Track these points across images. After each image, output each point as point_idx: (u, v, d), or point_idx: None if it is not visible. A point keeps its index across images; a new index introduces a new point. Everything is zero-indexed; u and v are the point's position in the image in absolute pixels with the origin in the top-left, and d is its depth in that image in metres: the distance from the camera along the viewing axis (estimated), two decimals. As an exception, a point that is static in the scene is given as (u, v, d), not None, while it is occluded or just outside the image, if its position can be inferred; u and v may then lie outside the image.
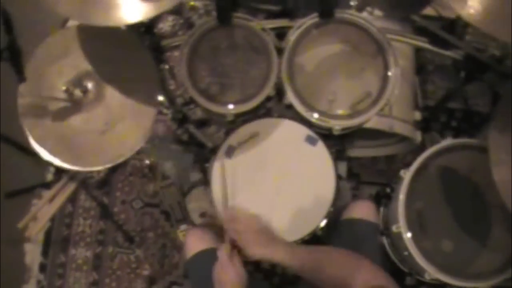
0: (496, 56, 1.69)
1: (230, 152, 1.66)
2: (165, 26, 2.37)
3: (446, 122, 2.29)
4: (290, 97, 1.64)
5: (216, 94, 1.69)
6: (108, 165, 1.44)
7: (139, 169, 2.25)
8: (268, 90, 1.64)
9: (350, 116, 1.63)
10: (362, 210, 1.70)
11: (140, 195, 2.26)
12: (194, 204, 2.08)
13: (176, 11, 2.27)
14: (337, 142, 2.13)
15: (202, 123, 2.21)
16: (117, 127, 1.47)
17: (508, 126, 1.49)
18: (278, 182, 1.64)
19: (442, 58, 2.35)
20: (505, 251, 1.64)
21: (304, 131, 1.66)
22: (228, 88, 1.70)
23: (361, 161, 2.24)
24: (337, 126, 1.62)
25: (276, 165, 1.66)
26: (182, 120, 2.14)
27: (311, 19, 1.69)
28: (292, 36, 1.68)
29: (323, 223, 1.60)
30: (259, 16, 2.24)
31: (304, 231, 1.60)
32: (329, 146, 1.69)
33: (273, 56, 1.67)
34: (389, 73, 1.64)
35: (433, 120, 2.13)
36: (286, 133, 1.67)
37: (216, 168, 1.65)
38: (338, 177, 1.65)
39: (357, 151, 2.16)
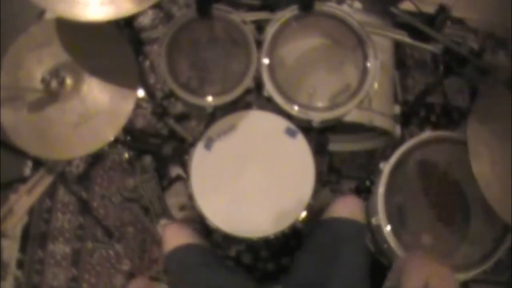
0: (475, 50, 1.68)
1: (209, 145, 1.65)
2: (145, 19, 2.35)
3: (426, 117, 2.30)
4: (269, 89, 1.63)
5: (196, 87, 1.68)
6: (80, 155, 1.42)
7: (119, 164, 2.23)
8: (248, 82, 1.64)
9: (329, 108, 1.63)
10: (347, 208, 1.66)
11: (119, 190, 2.25)
12: (174, 199, 2.07)
13: (157, 4, 2.25)
14: (319, 136, 2.12)
15: (182, 117, 2.20)
16: (92, 120, 1.45)
17: (486, 119, 1.50)
18: (258, 174, 1.64)
19: (422, 53, 2.37)
20: (484, 243, 1.65)
21: (283, 123, 1.66)
22: (208, 82, 1.69)
23: (341, 155, 2.24)
24: (316, 118, 1.61)
25: (256, 157, 1.66)
26: (162, 114, 2.13)
27: (291, 11, 1.68)
28: (271, 29, 1.68)
29: (302, 215, 1.59)
30: (241, 9, 2.22)
31: (284, 223, 1.61)
32: (310, 140, 1.68)
33: (253, 49, 1.66)
34: (368, 66, 1.64)
35: (412, 114, 2.14)
36: (266, 125, 1.67)
37: (195, 160, 1.63)
38: (319, 171, 1.64)
39: (337, 145, 2.16)
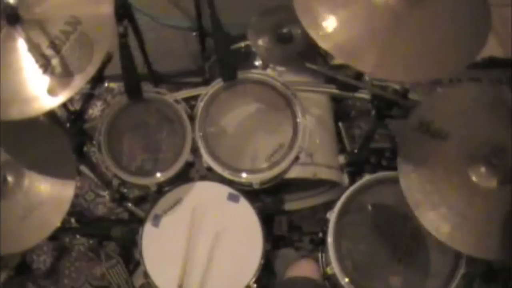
0: (399, 90, 1.75)
1: (156, 222, 1.70)
2: (94, 111, 2.44)
3: (377, 162, 2.34)
4: (207, 159, 1.69)
5: (151, 169, 1.75)
6: (32, 245, 1.47)
7: (84, 254, 2.26)
8: (185, 157, 1.70)
9: (265, 169, 1.69)
10: (304, 268, 1.75)
11: (88, 279, 2.27)
12: (141, 280, 2.09)
13: (101, 96, 2.35)
14: (273, 198, 2.18)
15: (140, 199, 2.25)
16: (37, 210, 1.50)
17: (414, 169, 1.53)
18: (208, 243, 1.68)
19: (363, 103, 2.44)
20: (443, 272, 1.68)
21: (225, 189, 1.72)
22: (162, 161, 1.76)
23: (301, 213, 2.28)
24: (253, 180, 1.67)
25: (204, 227, 1.70)
26: (120, 199, 2.18)
27: (217, 83, 1.76)
28: (201, 103, 1.75)
29: (255, 277, 1.62)
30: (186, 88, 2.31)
31: (238, 287, 1.62)
32: (265, 203, 1.73)
33: (187, 125, 1.73)
34: (298, 122, 1.71)
35: (362, 162, 2.18)
36: (208, 194, 1.73)
37: (145, 239, 1.67)
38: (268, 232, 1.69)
39: (294, 204, 2.20)
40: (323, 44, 1.33)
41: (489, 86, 1.81)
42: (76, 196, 2.35)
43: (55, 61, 1.38)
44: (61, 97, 1.37)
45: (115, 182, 2.19)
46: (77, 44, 1.41)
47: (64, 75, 1.39)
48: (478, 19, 1.39)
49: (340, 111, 2.39)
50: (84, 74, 1.39)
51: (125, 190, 2.14)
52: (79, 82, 1.38)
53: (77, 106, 2.35)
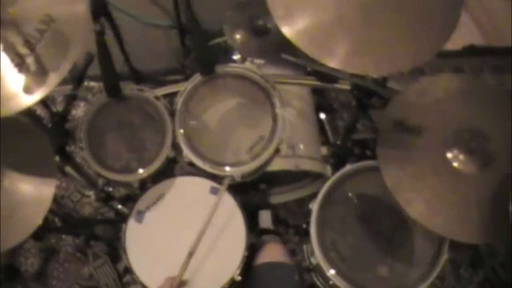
0: (378, 80, 1.75)
1: (140, 218, 1.71)
2: (78, 112, 2.44)
3: (360, 153, 2.36)
4: (188, 154, 1.70)
5: (136, 167, 1.75)
6: (16, 244, 1.48)
7: (72, 255, 2.26)
8: (165, 152, 1.71)
9: (246, 161, 1.69)
10: (272, 253, 1.75)
11: (77, 280, 2.27)
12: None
13: (83, 96, 2.36)
14: (258, 193, 2.19)
15: (126, 198, 2.25)
16: (19, 210, 1.51)
17: (398, 167, 1.54)
18: (192, 237, 1.67)
19: (346, 95, 2.46)
20: (427, 258, 1.70)
21: (207, 183, 1.72)
22: (147, 160, 1.76)
23: (286, 206, 2.29)
24: (235, 173, 1.67)
25: (187, 221, 1.70)
26: (106, 199, 2.18)
27: (195, 78, 1.77)
28: (180, 98, 1.76)
29: (239, 269, 1.63)
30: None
31: (223, 279, 1.64)
32: (251, 197, 1.74)
33: (166, 120, 1.74)
34: (277, 114, 1.72)
35: (346, 154, 2.19)
36: (191, 189, 1.73)
37: (129, 235, 1.68)
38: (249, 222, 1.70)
39: (279, 197, 2.21)
40: (293, 39, 1.32)
41: (456, 76, 1.80)
42: (62, 197, 2.35)
43: (30, 60, 1.38)
44: (37, 95, 1.37)
45: (101, 182, 2.19)
46: (52, 42, 1.41)
47: (39, 73, 1.39)
48: (447, 6, 1.39)
49: (323, 103, 2.41)
50: (59, 72, 1.39)
51: (110, 189, 2.14)
52: (55, 79, 1.39)
53: (60, 107, 2.37)
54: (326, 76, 1.87)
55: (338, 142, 2.11)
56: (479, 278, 2.25)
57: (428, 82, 1.65)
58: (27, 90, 1.37)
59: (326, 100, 2.45)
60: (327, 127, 2.28)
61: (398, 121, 1.55)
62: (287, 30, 1.33)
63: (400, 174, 1.54)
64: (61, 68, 1.39)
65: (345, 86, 1.87)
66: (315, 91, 2.29)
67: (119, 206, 2.18)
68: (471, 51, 2.63)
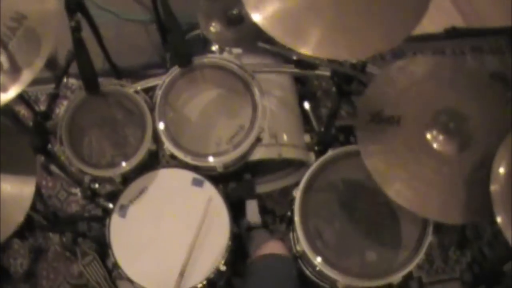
0: (357, 65, 1.75)
1: (123, 212, 1.71)
2: (61, 110, 2.42)
3: (345, 140, 2.35)
4: (168, 146, 1.70)
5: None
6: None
7: (61, 254, 2.26)
8: (146, 145, 1.71)
9: (227, 151, 1.70)
10: (270, 247, 1.75)
11: (66, 279, 2.27)
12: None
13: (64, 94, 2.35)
14: (244, 183, 2.18)
15: (113, 195, 2.24)
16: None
17: (379, 156, 1.54)
18: (176, 229, 1.69)
19: (328, 83, 2.45)
20: (412, 240, 1.70)
21: (189, 175, 1.72)
22: (131, 155, 1.76)
23: (272, 196, 2.29)
24: (216, 163, 1.67)
25: (170, 214, 1.71)
26: (92, 196, 2.17)
27: (174, 71, 1.77)
28: (159, 91, 1.76)
29: (224, 258, 1.63)
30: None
31: (209, 270, 1.64)
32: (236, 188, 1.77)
33: (146, 113, 1.74)
34: (256, 103, 1.72)
35: (330, 141, 2.19)
36: (173, 181, 1.74)
37: (113, 230, 1.68)
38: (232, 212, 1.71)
39: (264, 186, 2.21)
40: (264, 26, 1.32)
41: (432, 57, 1.81)
42: (49, 196, 2.35)
43: (3, 58, 1.38)
44: (12, 92, 1.37)
45: (87, 179, 2.19)
46: (24, 39, 1.42)
47: (12, 71, 1.39)
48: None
49: (306, 91, 2.40)
50: (32, 68, 1.39)
51: (96, 186, 2.13)
52: (28, 76, 1.39)
53: (43, 106, 2.37)
54: (305, 63, 1.86)
55: (322, 130, 2.11)
56: (467, 259, 2.26)
57: (403, 64, 1.65)
58: (1, 87, 1.36)
59: (309, 88, 2.44)
60: (311, 116, 2.27)
61: (375, 113, 1.55)
62: (258, 18, 1.32)
63: (380, 158, 1.54)
64: (34, 64, 1.39)
65: (324, 72, 1.86)
66: (298, 80, 2.28)
67: (105, 203, 2.17)
68: (452, 33, 2.63)
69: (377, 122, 1.56)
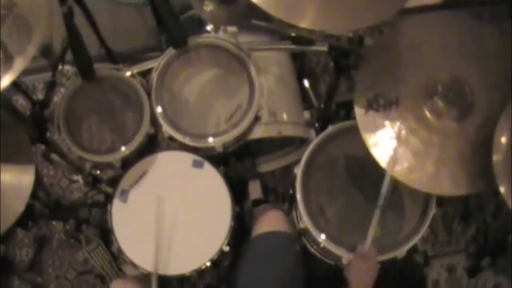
0: (354, 38, 1.72)
1: (124, 197, 1.70)
2: (59, 98, 2.40)
3: (345, 115, 2.34)
4: (167, 129, 1.69)
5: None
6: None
7: (65, 241, 2.26)
8: (145, 129, 1.69)
9: (226, 131, 1.68)
10: (272, 222, 1.73)
11: (71, 265, 2.28)
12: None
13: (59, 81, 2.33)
14: (245, 162, 2.18)
15: (115, 180, 2.24)
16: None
17: (372, 128, 1.54)
18: (177, 211, 1.68)
19: (327, 58, 2.42)
20: (417, 212, 1.70)
21: (189, 157, 1.72)
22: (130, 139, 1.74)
23: (274, 174, 2.28)
24: (215, 144, 1.66)
25: (172, 196, 1.70)
26: (94, 182, 2.17)
27: (169, 52, 1.75)
28: (154, 74, 1.74)
29: (227, 239, 1.63)
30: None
31: (212, 251, 1.65)
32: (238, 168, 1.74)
33: (143, 97, 1.72)
34: (254, 80, 1.70)
35: (330, 117, 2.18)
36: (173, 163, 1.73)
37: (115, 215, 1.67)
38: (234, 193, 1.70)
39: (266, 166, 2.20)
40: (258, 2, 1.30)
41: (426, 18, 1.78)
42: (51, 185, 2.35)
43: (-6, 46, 1.36)
44: (5, 81, 1.36)
45: (88, 166, 2.18)
46: (14, 26, 1.40)
47: (5, 59, 1.37)
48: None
49: (305, 68, 2.38)
50: (25, 56, 1.38)
51: (98, 173, 2.13)
52: (21, 64, 1.38)
53: (41, 95, 2.35)
54: (302, 39, 1.83)
55: (322, 106, 2.09)
56: (472, 231, 2.26)
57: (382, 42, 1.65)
58: (-6, 76, 1.35)
59: (308, 65, 2.42)
60: (311, 92, 2.25)
61: (373, 99, 1.54)
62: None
63: (380, 133, 1.53)
64: (26, 51, 1.38)
65: (322, 48, 1.84)
66: (296, 57, 2.26)
67: (108, 188, 2.16)
68: (450, 3, 2.59)
69: (376, 108, 1.55)
